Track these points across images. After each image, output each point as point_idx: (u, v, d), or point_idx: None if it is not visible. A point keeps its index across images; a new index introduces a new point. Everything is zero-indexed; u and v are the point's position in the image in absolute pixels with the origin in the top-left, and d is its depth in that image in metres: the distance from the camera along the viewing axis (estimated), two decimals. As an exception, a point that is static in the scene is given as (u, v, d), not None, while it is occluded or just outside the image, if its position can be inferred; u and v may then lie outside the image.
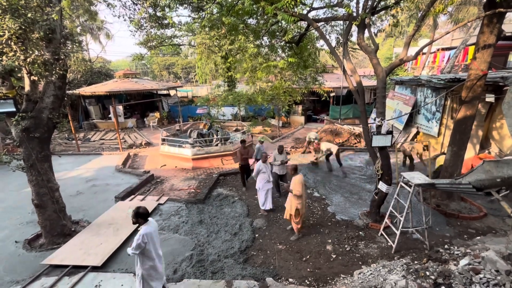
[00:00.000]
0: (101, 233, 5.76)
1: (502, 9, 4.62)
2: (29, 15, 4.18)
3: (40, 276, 4.64)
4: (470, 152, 8.43)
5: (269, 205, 6.61)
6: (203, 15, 6.80)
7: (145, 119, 19.05)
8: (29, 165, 5.16)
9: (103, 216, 6.48)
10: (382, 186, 5.58)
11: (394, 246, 4.95)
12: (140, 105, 20.69)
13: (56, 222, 5.57)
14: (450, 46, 17.83)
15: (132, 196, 7.66)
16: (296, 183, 5.20)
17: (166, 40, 7.75)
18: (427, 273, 3.84)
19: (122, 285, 4.39)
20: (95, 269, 4.78)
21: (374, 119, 5.37)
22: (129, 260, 5.08)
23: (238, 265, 4.82)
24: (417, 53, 5.27)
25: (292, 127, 17.45)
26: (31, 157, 5.11)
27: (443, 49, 16.98)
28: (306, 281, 4.42)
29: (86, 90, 17.33)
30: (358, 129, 12.84)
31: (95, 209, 7.01)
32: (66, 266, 4.79)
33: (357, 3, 5.62)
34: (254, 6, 5.72)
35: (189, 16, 7.67)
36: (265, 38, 7.93)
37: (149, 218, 3.68)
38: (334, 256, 5.02)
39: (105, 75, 22.71)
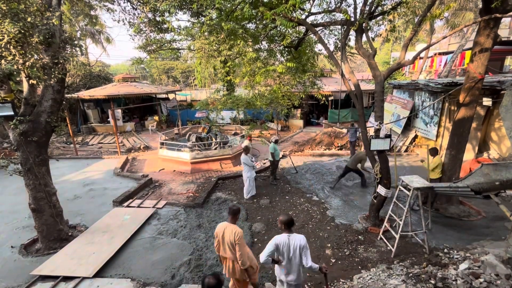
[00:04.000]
0: (95, 242, 5.59)
1: (498, 14, 4.69)
2: (28, 19, 4.19)
3: (36, 282, 4.57)
4: (469, 155, 8.46)
5: (253, 191, 7.67)
6: (203, 20, 6.84)
7: (150, 127, 18.25)
8: (26, 169, 5.12)
9: (97, 224, 6.33)
10: (381, 190, 5.57)
11: (393, 250, 4.93)
12: (139, 109, 20.70)
13: (53, 227, 5.51)
14: (447, 51, 17.99)
15: (130, 200, 7.61)
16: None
17: (166, 44, 7.79)
18: (427, 277, 3.82)
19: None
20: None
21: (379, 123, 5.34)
22: (126, 265, 5.03)
23: (236, 270, 4.77)
24: (415, 57, 5.30)
25: (291, 131, 17.48)
26: (29, 161, 5.08)
27: (440, 54, 17.14)
28: (306, 286, 4.38)
29: (84, 94, 17.32)
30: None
31: (93, 214, 6.94)
32: (57, 277, 4.62)
33: (355, 8, 5.68)
34: (253, 11, 5.77)
35: (189, 21, 7.73)
36: (264, 42, 7.98)
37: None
38: (333, 260, 4.99)
39: (104, 79, 22.70)
